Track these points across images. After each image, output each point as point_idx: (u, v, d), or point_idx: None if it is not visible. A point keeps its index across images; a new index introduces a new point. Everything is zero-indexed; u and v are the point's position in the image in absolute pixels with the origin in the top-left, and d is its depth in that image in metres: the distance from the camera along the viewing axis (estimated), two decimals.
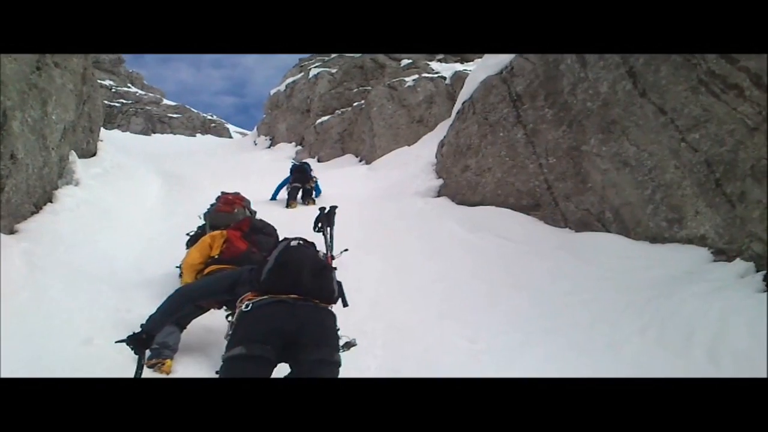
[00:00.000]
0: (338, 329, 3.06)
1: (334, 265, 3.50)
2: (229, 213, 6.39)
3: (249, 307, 2.84)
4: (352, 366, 4.36)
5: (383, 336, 4.98)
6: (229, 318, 3.09)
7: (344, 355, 4.53)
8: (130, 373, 3.19)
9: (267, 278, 2.93)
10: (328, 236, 4.96)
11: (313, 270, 3.03)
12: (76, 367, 3.69)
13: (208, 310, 4.51)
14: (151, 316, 3.13)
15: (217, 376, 2.91)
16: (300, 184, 11.56)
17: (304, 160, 12.05)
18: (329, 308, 3.09)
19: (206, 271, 4.61)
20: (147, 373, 3.92)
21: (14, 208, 5.74)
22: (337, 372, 2.87)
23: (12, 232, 5.65)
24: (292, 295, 2.89)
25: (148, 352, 3.88)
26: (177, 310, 3.22)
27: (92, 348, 4.06)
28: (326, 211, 5.19)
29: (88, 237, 6.38)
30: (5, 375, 3.26)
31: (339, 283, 3.27)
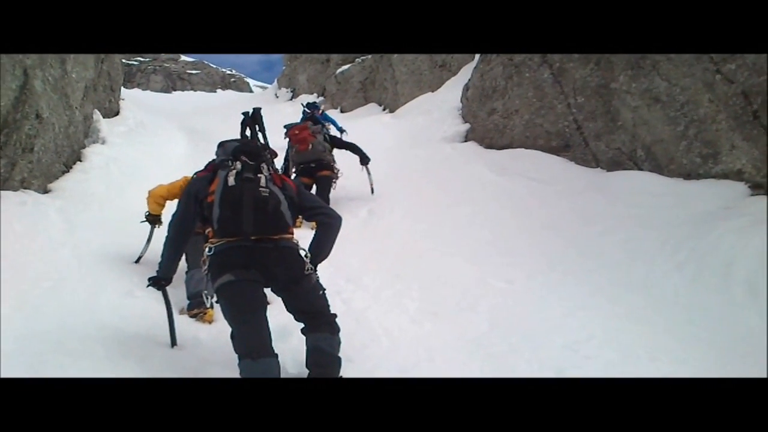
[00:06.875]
0: (304, 254, 3.18)
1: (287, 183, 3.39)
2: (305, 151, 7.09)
3: (212, 251, 3.01)
4: (391, 310, 4.52)
5: (420, 280, 5.06)
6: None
7: (384, 299, 4.69)
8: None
9: (218, 227, 3.01)
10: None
11: (255, 208, 3.01)
12: (123, 316, 3.90)
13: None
14: (160, 264, 3.32)
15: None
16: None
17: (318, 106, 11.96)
18: (287, 238, 3.14)
19: None
20: (190, 322, 4.14)
21: (45, 168, 5.94)
22: (322, 290, 3.22)
23: (46, 191, 5.87)
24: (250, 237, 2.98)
25: (186, 302, 4.31)
26: (176, 252, 3.33)
27: (134, 300, 4.24)
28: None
29: (119, 194, 6.59)
30: (62, 325, 3.43)
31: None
